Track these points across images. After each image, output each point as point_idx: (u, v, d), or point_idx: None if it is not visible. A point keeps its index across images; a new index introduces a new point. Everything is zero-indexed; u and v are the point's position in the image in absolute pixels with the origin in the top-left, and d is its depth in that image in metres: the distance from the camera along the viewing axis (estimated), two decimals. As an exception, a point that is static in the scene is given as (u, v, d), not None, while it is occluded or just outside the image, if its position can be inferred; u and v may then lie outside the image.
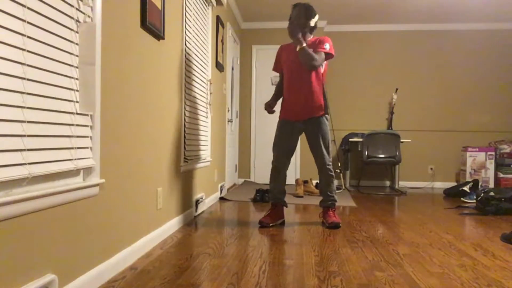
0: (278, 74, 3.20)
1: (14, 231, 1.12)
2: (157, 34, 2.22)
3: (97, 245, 1.59)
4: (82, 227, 1.48)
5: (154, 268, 1.83)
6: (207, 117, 3.53)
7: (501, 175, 5.08)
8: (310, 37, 2.85)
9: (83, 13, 1.48)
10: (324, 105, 2.83)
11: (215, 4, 3.67)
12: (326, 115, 2.86)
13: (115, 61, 1.74)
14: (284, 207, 2.95)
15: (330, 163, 2.87)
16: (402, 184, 5.60)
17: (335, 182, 2.94)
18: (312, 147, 2.87)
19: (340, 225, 2.79)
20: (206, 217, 3.09)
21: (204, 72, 3.41)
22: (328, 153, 2.85)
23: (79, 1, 1.46)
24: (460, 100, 5.63)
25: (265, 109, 2.95)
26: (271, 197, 2.94)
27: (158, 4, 2.22)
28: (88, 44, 1.45)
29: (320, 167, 2.86)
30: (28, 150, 1.18)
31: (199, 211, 3.21)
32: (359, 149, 5.33)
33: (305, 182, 4.59)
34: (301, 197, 4.29)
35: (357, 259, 2.02)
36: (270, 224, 2.80)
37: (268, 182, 5.49)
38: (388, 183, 5.72)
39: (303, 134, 2.93)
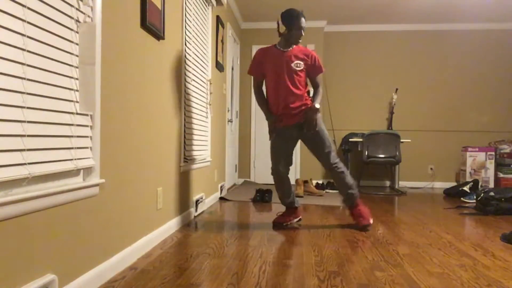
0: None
1: (14, 231, 1.12)
2: (157, 34, 2.22)
3: (97, 245, 1.59)
4: (82, 227, 1.48)
5: (154, 268, 1.83)
6: (207, 117, 3.53)
7: (501, 175, 5.08)
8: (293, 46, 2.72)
9: (83, 13, 1.48)
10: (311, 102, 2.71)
11: (215, 4, 3.67)
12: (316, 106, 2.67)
13: (115, 61, 1.74)
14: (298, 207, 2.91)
15: (337, 160, 2.75)
16: (402, 184, 5.61)
17: (348, 175, 2.78)
18: (313, 151, 2.77)
19: (369, 228, 2.73)
20: (206, 217, 3.08)
21: (204, 72, 3.41)
22: (330, 150, 2.72)
23: (79, 1, 1.46)
24: (460, 100, 5.63)
25: (271, 131, 2.75)
26: (282, 203, 2.90)
27: (158, 4, 2.22)
28: (88, 44, 1.45)
29: (327, 167, 2.76)
30: (28, 150, 1.18)
31: (199, 211, 3.20)
32: (359, 149, 5.33)
33: (305, 182, 4.58)
34: (301, 197, 4.29)
35: (357, 259, 2.02)
36: (284, 224, 2.82)
37: (268, 182, 5.52)
38: (388, 183, 5.72)
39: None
